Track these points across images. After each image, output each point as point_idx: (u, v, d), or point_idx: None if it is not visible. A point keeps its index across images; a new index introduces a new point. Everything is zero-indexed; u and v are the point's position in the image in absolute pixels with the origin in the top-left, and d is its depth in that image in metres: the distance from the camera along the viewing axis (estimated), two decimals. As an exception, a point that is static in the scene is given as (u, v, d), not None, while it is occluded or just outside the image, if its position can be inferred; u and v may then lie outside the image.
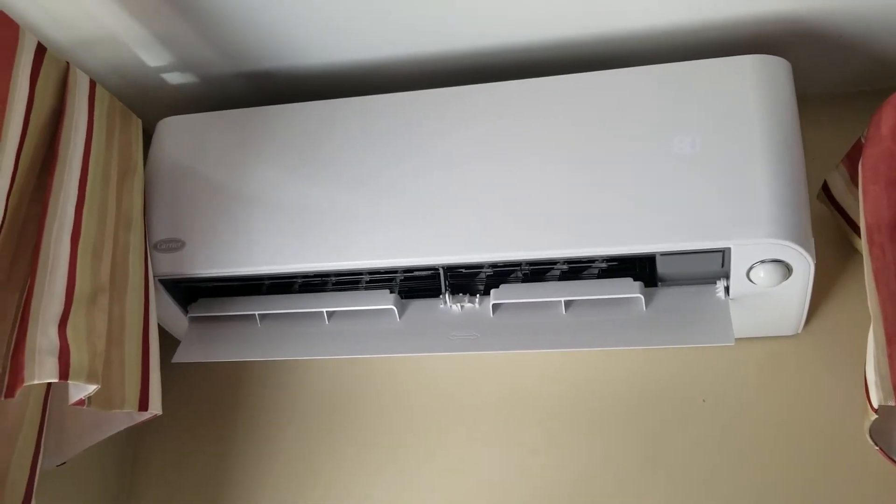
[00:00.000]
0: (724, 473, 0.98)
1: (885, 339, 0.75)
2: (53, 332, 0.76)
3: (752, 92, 0.89)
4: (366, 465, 1.09)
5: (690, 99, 0.90)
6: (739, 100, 0.89)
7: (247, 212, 0.98)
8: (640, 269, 0.92)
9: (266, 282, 1.02)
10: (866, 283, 0.81)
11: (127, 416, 0.92)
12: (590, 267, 0.93)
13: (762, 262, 0.85)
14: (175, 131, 1.06)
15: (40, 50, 0.87)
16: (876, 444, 0.79)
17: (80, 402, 0.79)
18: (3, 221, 0.79)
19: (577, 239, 0.88)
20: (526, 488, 1.03)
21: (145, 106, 1.12)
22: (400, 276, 0.98)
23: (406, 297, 1.00)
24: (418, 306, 1.00)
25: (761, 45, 0.97)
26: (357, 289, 1.01)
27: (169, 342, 1.05)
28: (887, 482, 0.93)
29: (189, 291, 1.04)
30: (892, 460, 0.81)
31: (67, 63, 0.91)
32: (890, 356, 0.74)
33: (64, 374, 0.74)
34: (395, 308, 0.98)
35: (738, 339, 0.95)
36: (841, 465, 0.95)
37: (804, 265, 0.85)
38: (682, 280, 0.93)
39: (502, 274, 0.96)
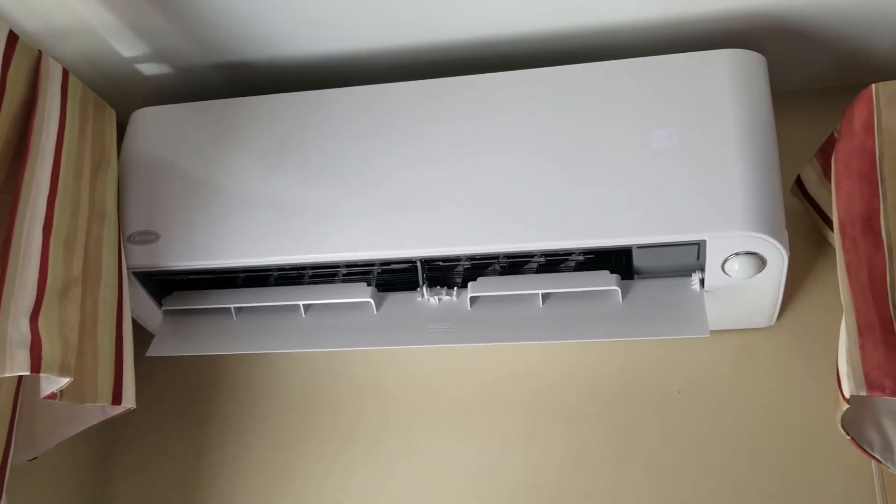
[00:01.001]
0: (699, 463, 0.99)
1: (856, 331, 0.76)
2: (25, 325, 0.75)
3: (728, 86, 0.90)
4: (344, 458, 1.09)
5: (667, 93, 0.91)
6: (715, 94, 0.89)
7: (222, 204, 0.97)
8: (617, 261, 0.93)
9: (241, 275, 1.01)
10: (839, 276, 0.82)
11: (100, 410, 0.91)
12: (567, 260, 0.93)
13: (737, 254, 0.86)
14: (149, 123, 1.05)
15: (12, 38, 0.85)
16: (847, 434, 0.81)
17: (52, 396, 0.78)
18: (-27, 212, 0.78)
19: (554, 232, 0.88)
20: (504, 480, 1.04)
21: (119, 97, 1.10)
22: (377, 268, 0.98)
23: (383, 290, 1.00)
24: (396, 299, 0.99)
25: (737, 40, 0.98)
26: (334, 282, 1.00)
27: (143, 336, 1.04)
28: (858, 471, 0.95)
29: (163, 284, 1.03)
30: (863, 450, 0.82)
31: (40, 51, 0.90)
32: (861, 347, 0.75)
33: (36, 366, 0.73)
34: (372, 301, 0.97)
35: (712, 331, 0.96)
36: (813, 455, 0.97)
37: (778, 258, 0.86)
38: (659, 273, 0.93)
39: (480, 267, 0.96)
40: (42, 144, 0.86)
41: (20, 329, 0.75)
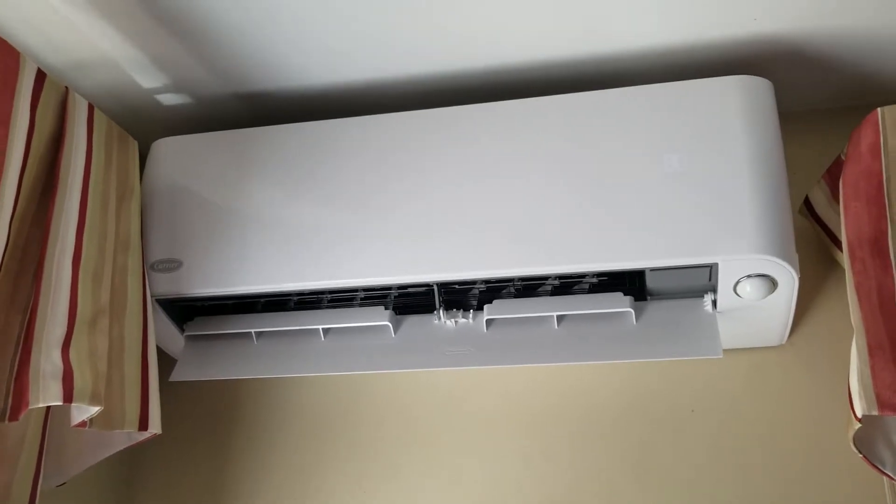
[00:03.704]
0: (712, 482, 1.00)
1: (867, 351, 0.77)
2: (57, 356, 0.77)
3: (737, 111, 0.91)
4: (362, 481, 1.10)
5: (677, 119, 0.92)
6: (725, 119, 0.91)
7: (242, 231, 0.99)
8: (630, 283, 0.94)
9: (262, 300, 1.03)
10: (849, 297, 0.83)
11: (126, 436, 0.93)
12: (581, 282, 0.95)
13: (748, 276, 0.88)
14: (170, 152, 1.07)
15: (40, 76, 0.87)
16: (860, 452, 0.81)
17: (83, 424, 0.79)
18: (6, 246, 0.80)
19: (568, 255, 0.90)
20: (520, 497, 1.05)
21: (140, 127, 1.12)
22: (394, 292, 0.99)
23: (401, 314, 1.01)
24: (413, 322, 1.01)
25: (745, 66, 1.00)
26: (352, 305, 1.02)
27: (166, 361, 1.06)
28: (870, 488, 0.96)
29: (185, 310, 1.05)
30: (875, 467, 0.83)
31: (67, 88, 0.92)
32: (872, 367, 0.76)
33: (68, 396, 0.75)
34: (389, 324, 0.99)
35: (724, 351, 0.97)
36: (825, 472, 0.98)
37: (789, 279, 0.88)
38: (671, 294, 0.95)
39: (495, 289, 0.98)
40: (70, 178, 0.88)
41: (52, 360, 0.76)
